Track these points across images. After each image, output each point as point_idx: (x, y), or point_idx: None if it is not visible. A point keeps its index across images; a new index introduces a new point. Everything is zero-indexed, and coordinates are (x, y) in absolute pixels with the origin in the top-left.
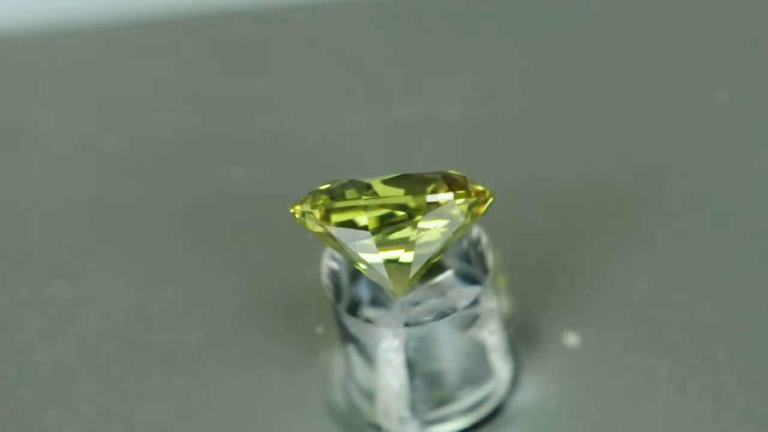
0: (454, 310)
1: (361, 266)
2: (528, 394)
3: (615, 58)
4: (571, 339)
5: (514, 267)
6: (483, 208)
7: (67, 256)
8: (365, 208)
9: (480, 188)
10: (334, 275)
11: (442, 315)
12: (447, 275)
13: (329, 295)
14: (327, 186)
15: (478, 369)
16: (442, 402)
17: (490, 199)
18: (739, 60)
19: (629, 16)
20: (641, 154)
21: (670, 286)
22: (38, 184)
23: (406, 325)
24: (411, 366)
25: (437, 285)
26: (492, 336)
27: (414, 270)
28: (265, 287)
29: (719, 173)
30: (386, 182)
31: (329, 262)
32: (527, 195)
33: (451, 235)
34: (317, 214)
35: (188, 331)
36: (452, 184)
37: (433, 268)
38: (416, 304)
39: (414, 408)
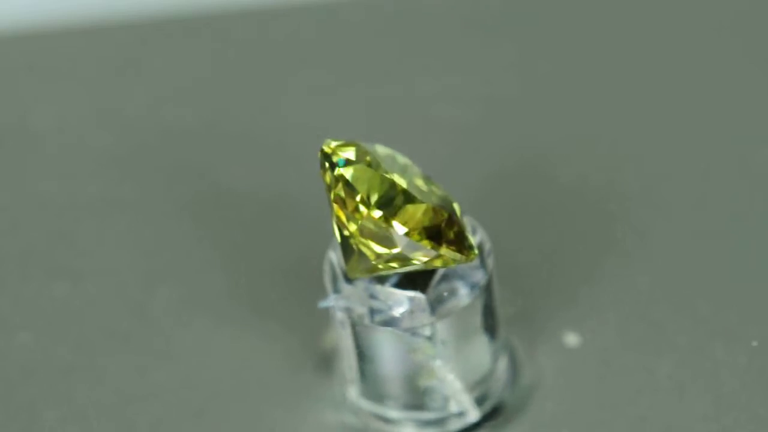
0: (392, 324)
1: (335, 232)
2: (527, 394)
3: (612, 57)
4: (571, 338)
5: (513, 266)
6: (455, 264)
7: (67, 256)
8: (359, 185)
9: (466, 252)
10: (334, 269)
11: (380, 322)
12: (418, 297)
13: (328, 287)
14: (369, 151)
15: (423, 395)
16: (388, 403)
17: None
18: (740, 57)
19: (625, 14)
20: (642, 154)
21: (671, 286)
22: (38, 184)
23: (346, 309)
24: (358, 353)
25: (405, 298)
26: (446, 378)
27: (358, 262)
28: (265, 286)
29: (720, 172)
30: (404, 192)
31: (331, 255)
32: (527, 194)
33: (407, 263)
34: (336, 157)
35: (188, 331)
36: (445, 231)
37: (420, 280)
38: (373, 297)
39: (364, 393)
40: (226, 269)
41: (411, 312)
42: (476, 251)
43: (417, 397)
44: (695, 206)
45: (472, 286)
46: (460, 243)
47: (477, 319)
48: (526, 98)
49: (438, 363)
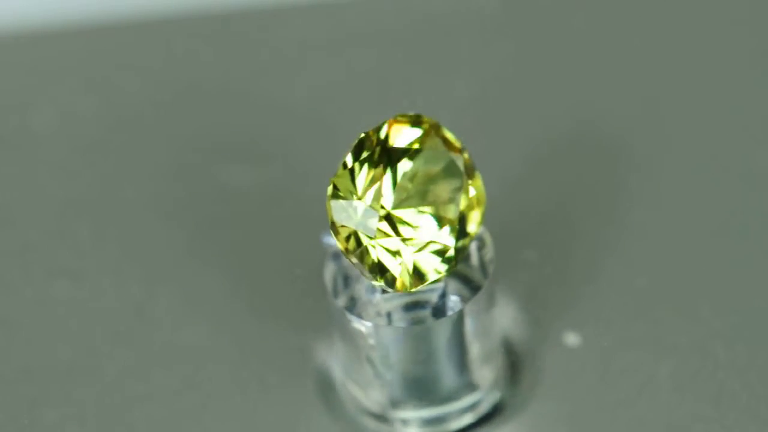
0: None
1: None
2: (527, 394)
3: (612, 56)
4: (571, 338)
5: (513, 266)
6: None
7: (67, 256)
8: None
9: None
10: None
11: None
12: (377, 292)
13: (329, 286)
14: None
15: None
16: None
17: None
18: (741, 56)
19: (627, 13)
20: (642, 153)
21: (671, 286)
22: (38, 184)
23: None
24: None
25: (369, 286)
26: (375, 384)
27: None
28: (266, 287)
29: (720, 172)
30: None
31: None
32: (526, 193)
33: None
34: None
35: (188, 331)
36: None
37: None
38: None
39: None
40: (226, 269)
41: (363, 301)
42: (382, 286)
43: (365, 383)
44: (696, 206)
45: (464, 295)
46: (382, 267)
47: (440, 342)
48: (527, 99)
49: (367, 365)
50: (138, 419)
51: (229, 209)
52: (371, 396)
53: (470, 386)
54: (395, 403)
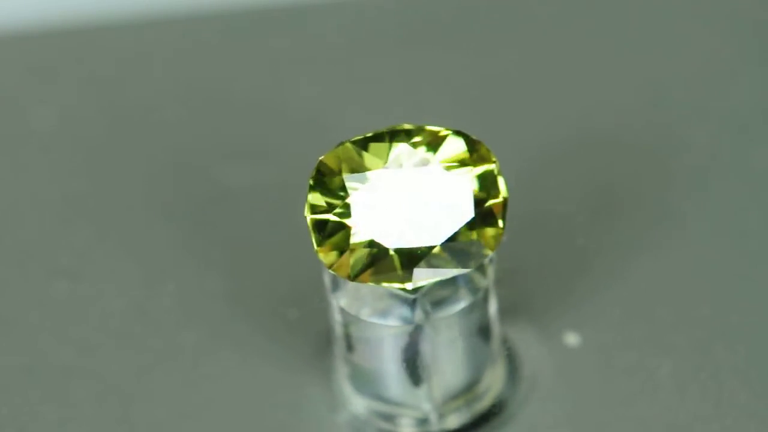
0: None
1: None
2: (527, 394)
3: (611, 54)
4: (571, 338)
5: (513, 265)
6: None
7: (67, 256)
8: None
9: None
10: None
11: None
12: (362, 293)
13: (328, 285)
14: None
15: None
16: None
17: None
18: (743, 59)
19: (625, 13)
20: (642, 154)
21: (671, 286)
22: (38, 184)
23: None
24: None
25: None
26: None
27: None
28: (266, 287)
29: (720, 172)
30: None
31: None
32: (526, 193)
33: None
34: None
35: (188, 331)
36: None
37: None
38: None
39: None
40: (226, 269)
41: (351, 284)
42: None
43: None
44: (696, 206)
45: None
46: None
47: (390, 346)
48: (526, 101)
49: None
50: (138, 419)
51: (229, 209)
52: (338, 369)
53: (420, 403)
54: (351, 382)
